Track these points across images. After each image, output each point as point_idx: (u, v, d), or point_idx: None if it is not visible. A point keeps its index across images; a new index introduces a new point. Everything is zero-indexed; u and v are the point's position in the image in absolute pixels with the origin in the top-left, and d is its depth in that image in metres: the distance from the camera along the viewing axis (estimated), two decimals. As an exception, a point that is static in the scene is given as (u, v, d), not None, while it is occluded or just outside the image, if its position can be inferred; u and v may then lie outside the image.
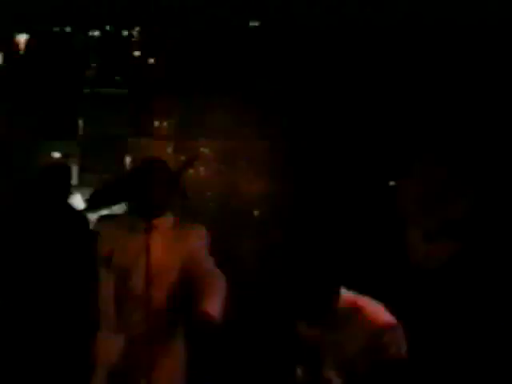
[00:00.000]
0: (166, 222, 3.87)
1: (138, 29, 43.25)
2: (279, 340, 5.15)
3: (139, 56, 42.15)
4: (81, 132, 37.64)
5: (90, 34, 43.01)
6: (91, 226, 4.57)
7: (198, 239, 3.87)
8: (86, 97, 38.46)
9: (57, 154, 34.19)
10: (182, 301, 3.81)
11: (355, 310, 3.08)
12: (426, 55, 35.03)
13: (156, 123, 37.27)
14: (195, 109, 34.35)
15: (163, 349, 3.84)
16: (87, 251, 3.98)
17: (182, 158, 29.47)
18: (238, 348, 5.78)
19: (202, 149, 29.82)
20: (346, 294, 3.14)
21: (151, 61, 41.56)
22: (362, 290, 3.20)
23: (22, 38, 40.46)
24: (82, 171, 33.97)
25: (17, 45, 40.36)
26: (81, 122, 37.65)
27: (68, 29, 42.84)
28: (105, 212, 4.42)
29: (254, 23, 42.09)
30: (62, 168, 5.10)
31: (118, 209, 4.47)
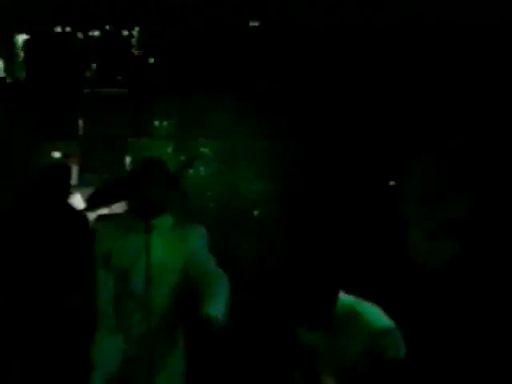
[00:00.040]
0: (165, 221, 3.86)
1: (137, 29, 43.29)
2: (277, 345, 5.14)
3: (139, 56, 42.17)
4: (81, 132, 37.64)
5: (90, 34, 43.03)
6: (90, 225, 4.56)
7: (197, 239, 3.86)
8: (86, 97, 38.49)
9: (57, 154, 34.16)
10: (182, 301, 3.80)
11: (354, 315, 3.07)
12: (426, 55, 35.03)
13: (156, 123, 37.28)
14: (195, 109, 34.34)
15: (163, 349, 3.84)
16: (87, 251, 3.97)
17: (182, 157, 29.50)
18: (236, 352, 5.76)
19: (201, 149, 29.80)
20: (344, 299, 3.13)
21: (151, 61, 41.58)
22: (362, 291, 3.19)
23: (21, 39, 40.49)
24: (81, 171, 33.93)
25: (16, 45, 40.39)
26: (81, 122, 37.65)
27: (68, 29, 42.85)
28: (104, 211, 4.37)
29: (254, 23, 42.11)
30: (62, 168, 5.09)
31: (118, 207, 4.43)
